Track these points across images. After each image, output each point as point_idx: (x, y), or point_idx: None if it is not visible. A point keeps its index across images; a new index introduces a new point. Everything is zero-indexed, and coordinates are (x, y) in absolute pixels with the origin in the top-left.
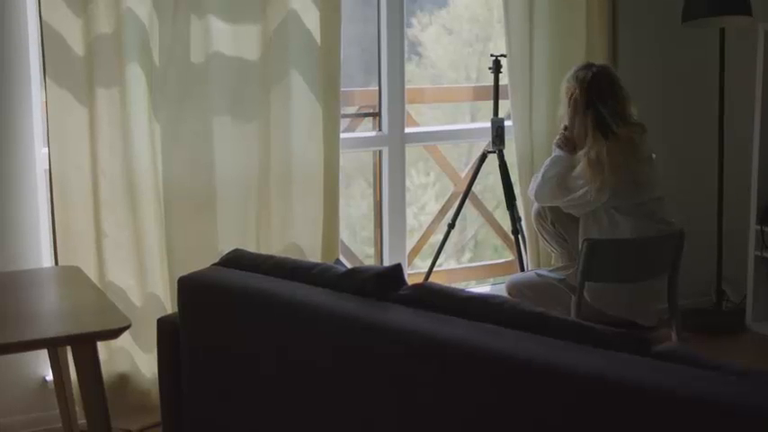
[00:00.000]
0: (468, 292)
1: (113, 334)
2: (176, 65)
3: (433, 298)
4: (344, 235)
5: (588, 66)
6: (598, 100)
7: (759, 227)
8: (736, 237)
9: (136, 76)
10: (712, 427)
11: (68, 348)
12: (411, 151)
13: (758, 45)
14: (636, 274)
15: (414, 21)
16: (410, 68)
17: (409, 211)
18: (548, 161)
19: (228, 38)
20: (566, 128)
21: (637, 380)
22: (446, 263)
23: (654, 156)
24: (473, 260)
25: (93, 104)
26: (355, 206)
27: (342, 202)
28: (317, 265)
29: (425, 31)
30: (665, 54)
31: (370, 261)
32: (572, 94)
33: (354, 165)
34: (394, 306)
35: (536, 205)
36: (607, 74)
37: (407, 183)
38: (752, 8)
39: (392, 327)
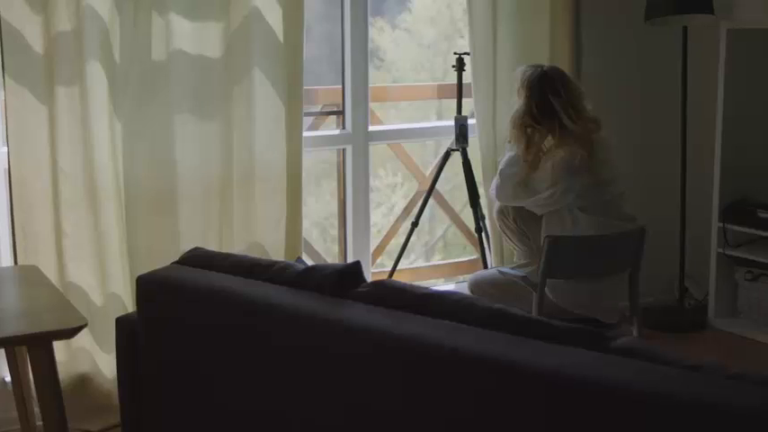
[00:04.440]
0: (425, 289)
1: (70, 333)
2: (137, 63)
3: (391, 295)
4: (313, 234)
5: (537, 65)
6: (549, 92)
7: (721, 224)
8: (699, 234)
9: (96, 74)
10: (668, 422)
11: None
12: (381, 151)
13: (720, 44)
14: (597, 271)
15: (371, 28)
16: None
17: (379, 211)
18: (504, 160)
19: (190, 35)
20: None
21: (594, 375)
22: (416, 262)
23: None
24: (443, 260)
25: (53, 103)
26: (324, 204)
27: (311, 200)
28: (275, 262)
29: (382, 34)
30: (629, 52)
31: (335, 260)
32: (524, 93)
33: (325, 164)
34: (352, 303)
35: (498, 202)
36: (557, 70)
37: (377, 182)
38: (714, 7)
39: (349, 323)
